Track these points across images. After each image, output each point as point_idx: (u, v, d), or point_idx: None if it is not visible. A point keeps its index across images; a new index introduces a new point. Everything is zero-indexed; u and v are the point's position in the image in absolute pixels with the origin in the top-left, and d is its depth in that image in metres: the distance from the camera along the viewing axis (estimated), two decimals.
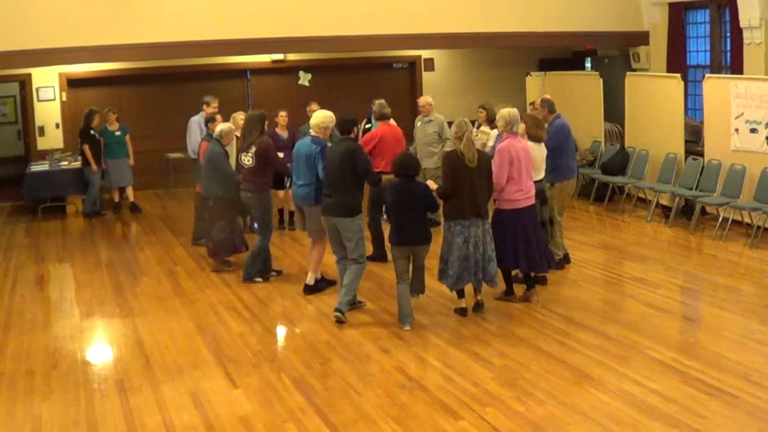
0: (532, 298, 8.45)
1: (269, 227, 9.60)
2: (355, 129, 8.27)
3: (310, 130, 12.98)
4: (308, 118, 12.78)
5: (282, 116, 11.81)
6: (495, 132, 10.83)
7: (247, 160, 9.29)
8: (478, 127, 11.86)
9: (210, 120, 10.68)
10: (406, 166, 7.85)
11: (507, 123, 8.19)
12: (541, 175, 8.75)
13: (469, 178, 7.73)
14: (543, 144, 8.75)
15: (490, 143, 10.05)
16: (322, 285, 9.07)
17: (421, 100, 11.83)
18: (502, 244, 8.12)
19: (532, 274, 8.51)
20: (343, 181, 8.02)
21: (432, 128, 11.51)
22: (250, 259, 9.56)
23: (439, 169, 11.74)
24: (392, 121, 10.48)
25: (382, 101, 10.65)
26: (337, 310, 8.02)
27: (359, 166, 8.04)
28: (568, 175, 9.39)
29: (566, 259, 9.72)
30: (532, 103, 10.50)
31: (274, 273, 9.66)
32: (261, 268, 9.54)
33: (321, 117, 8.70)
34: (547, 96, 9.73)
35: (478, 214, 7.81)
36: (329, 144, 8.54)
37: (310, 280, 9.04)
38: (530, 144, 8.39)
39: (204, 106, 11.64)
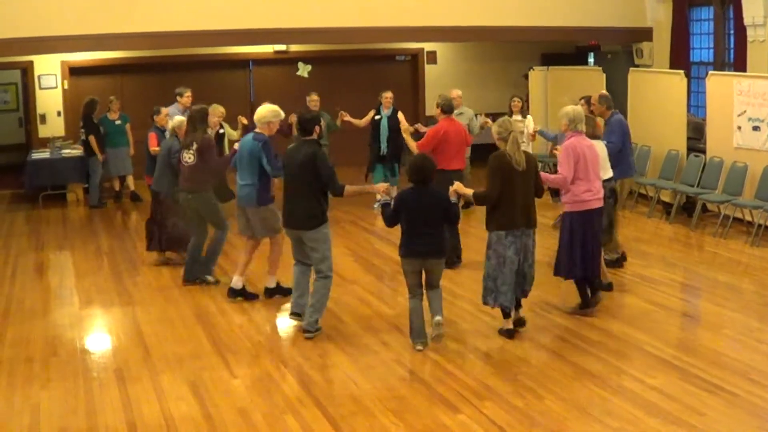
0: (593, 306, 7.96)
1: (225, 224, 9.03)
2: (318, 128, 7.52)
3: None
4: (308, 108, 12.95)
5: None
6: (529, 119, 10.91)
7: (189, 157, 8.82)
8: (510, 116, 12.07)
9: (155, 112, 10.59)
10: (420, 168, 6.98)
11: (571, 121, 7.67)
12: (609, 173, 8.46)
13: (519, 183, 7.08)
14: (601, 141, 8.44)
15: (529, 130, 10.16)
16: (280, 290, 8.56)
17: (453, 93, 12.10)
18: (570, 250, 7.65)
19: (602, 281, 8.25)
20: (303, 189, 7.31)
21: (463, 120, 11.84)
22: (189, 261, 9.12)
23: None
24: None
25: (446, 95, 10.11)
26: (305, 331, 7.46)
27: (321, 173, 7.28)
28: (629, 173, 9.29)
29: (623, 257, 9.59)
30: (586, 99, 10.32)
31: (203, 279, 9.13)
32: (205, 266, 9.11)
33: (264, 111, 8.11)
34: (605, 92, 9.57)
35: (529, 222, 7.20)
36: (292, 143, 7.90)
37: (236, 283, 8.42)
38: (593, 142, 7.96)
39: (177, 97, 11.72)
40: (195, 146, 8.80)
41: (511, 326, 7.39)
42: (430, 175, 6.97)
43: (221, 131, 11.98)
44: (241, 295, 8.54)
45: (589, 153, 7.62)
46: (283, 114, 8.23)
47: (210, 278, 9.12)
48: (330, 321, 7.92)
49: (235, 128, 12.22)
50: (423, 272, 7.08)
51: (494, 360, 6.91)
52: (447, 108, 9.63)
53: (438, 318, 7.05)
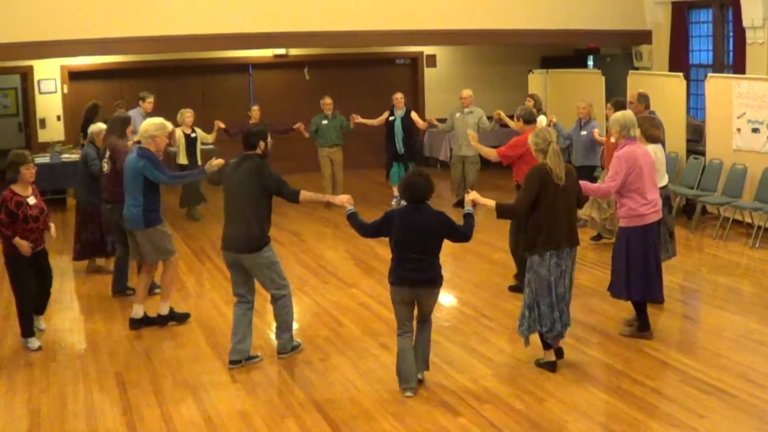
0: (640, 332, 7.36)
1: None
2: (263, 143, 6.93)
3: (325, 120, 13.19)
4: (321, 110, 13.11)
5: (255, 110, 12.79)
6: (542, 118, 10.99)
7: (104, 166, 8.56)
8: None
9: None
10: (411, 186, 6.19)
11: (623, 127, 7.05)
12: (665, 180, 8.12)
13: (561, 199, 6.47)
14: (660, 145, 8.06)
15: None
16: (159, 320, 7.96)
17: (464, 93, 12.86)
18: (627, 270, 7.08)
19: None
20: (243, 208, 6.70)
21: (473, 119, 12.64)
22: (116, 273, 8.95)
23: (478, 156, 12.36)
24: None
25: (528, 106, 9.46)
26: (279, 353, 7.07)
27: (270, 186, 6.72)
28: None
29: None
30: (613, 103, 10.23)
31: (129, 292, 8.82)
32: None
33: (146, 125, 7.60)
34: (642, 90, 9.47)
35: (572, 242, 6.59)
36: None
37: (137, 312, 7.87)
38: (650, 147, 7.55)
39: (140, 102, 11.71)
40: (107, 154, 8.53)
41: (553, 358, 6.69)
42: (425, 194, 6.20)
43: (193, 135, 12.07)
44: (145, 323, 7.89)
45: (644, 162, 7.03)
46: (170, 127, 7.77)
47: (130, 293, 8.75)
48: (330, 324, 7.94)
49: (210, 131, 12.50)
50: (415, 303, 6.33)
51: (494, 363, 6.91)
52: (529, 117, 8.84)
53: (420, 377, 6.41)
